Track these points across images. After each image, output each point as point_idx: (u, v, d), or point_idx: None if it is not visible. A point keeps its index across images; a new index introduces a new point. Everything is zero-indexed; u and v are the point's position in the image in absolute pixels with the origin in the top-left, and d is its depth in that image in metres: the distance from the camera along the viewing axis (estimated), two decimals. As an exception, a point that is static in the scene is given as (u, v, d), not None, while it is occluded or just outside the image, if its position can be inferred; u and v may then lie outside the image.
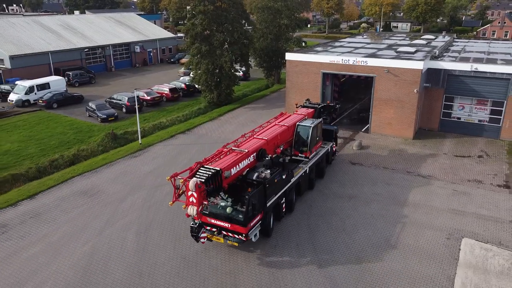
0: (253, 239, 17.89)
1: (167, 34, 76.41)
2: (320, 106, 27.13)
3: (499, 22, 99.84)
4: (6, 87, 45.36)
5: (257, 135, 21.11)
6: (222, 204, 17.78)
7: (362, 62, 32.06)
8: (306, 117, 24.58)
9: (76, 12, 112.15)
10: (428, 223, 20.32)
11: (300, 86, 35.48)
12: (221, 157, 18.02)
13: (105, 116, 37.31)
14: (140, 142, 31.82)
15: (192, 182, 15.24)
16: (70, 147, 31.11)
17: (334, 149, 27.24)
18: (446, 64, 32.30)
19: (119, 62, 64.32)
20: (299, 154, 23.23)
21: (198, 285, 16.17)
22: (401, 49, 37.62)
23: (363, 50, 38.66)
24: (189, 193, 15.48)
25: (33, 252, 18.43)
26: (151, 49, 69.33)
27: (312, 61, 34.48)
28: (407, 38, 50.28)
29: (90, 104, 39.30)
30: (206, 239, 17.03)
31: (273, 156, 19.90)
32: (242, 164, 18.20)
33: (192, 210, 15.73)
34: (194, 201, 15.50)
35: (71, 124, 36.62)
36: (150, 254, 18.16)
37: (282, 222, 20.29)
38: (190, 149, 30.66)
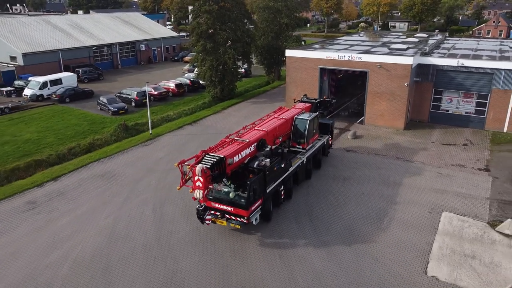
0: (254, 222, 19.30)
1: (171, 33, 78.85)
2: (317, 101, 28.71)
3: (493, 22, 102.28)
4: (20, 82, 47.75)
5: (258, 127, 22.42)
6: (226, 190, 19.04)
7: (357, 58, 34.48)
8: (304, 111, 25.97)
9: (80, 12, 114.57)
10: (413, 200, 22.74)
11: (299, 81, 37.86)
12: (224, 146, 19.46)
13: (116, 109, 39.70)
14: (150, 132, 34.22)
15: (198, 168, 16.64)
16: (86, 137, 33.45)
17: (330, 142, 28.66)
18: (434, 60, 34.72)
19: (125, 60, 66.72)
20: (297, 146, 24.60)
21: (209, 247, 18.60)
22: (393, 46, 40.03)
23: (358, 47, 41.08)
24: (196, 178, 16.89)
25: (62, 223, 20.82)
26: (155, 48, 71.74)
27: (310, 57, 36.89)
28: (401, 37, 52.68)
29: (101, 98, 41.68)
30: (210, 221, 19.00)
31: (273, 147, 21.64)
32: (244, 153, 19.55)
33: (198, 194, 17.16)
34: (200, 185, 16.92)
35: (84, 117, 39.01)
36: (165, 224, 20.56)
37: (283, 204, 22.26)
38: (197, 139, 33.05)
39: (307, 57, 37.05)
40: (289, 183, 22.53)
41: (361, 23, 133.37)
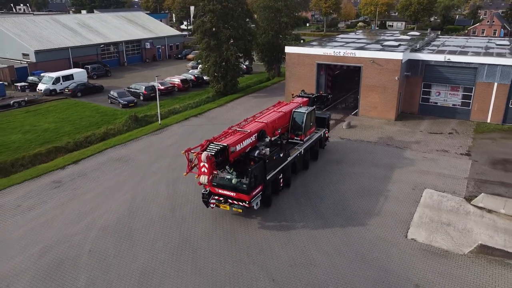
0: (255, 207, 20.65)
1: (174, 31, 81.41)
2: (314, 96, 30.27)
3: (488, 21, 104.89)
4: (34, 78, 50.31)
5: (258, 119, 23.72)
6: (228, 177, 20.35)
7: (351, 54, 37.09)
8: (301, 105, 27.42)
9: (83, 11, 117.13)
10: (399, 179, 25.36)
11: (298, 76, 40.46)
12: (227, 136, 20.73)
13: (126, 103, 42.32)
14: (159, 122, 36.84)
15: (204, 155, 18.05)
16: (99, 127, 36.03)
17: (326, 135, 30.03)
18: (423, 56, 37.35)
19: (131, 58, 69.32)
20: (295, 138, 26.00)
21: (218, 218, 21.21)
22: (386, 43, 42.67)
23: (353, 44, 43.71)
24: (201, 164, 18.26)
25: (86, 198, 23.43)
26: (160, 46, 74.31)
27: (308, 53, 39.51)
28: (395, 35, 55.31)
29: (111, 92, 44.29)
30: (214, 205, 20.62)
31: (272, 138, 22.91)
32: (245, 143, 20.80)
33: (204, 179, 18.61)
34: (206, 171, 18.24)
35: (97, 109, 41.61)
36: (178, 198, 23.16)
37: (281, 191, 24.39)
38: (203, 129, 35.66)
39: (305, 53, 39.67)
40: (288, 172, 23.92)
41: (360, 23, 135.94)
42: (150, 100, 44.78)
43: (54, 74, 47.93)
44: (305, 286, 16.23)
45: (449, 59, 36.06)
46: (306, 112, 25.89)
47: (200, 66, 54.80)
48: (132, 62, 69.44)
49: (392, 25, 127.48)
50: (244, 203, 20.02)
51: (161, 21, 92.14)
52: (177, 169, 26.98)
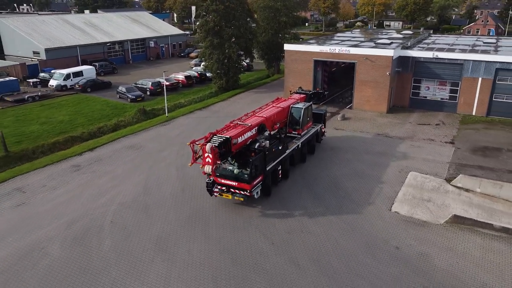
0: (256, 196, 21.81)
1: (177, 31, 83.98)
2: (311, 92, 31.60)
3: (482, 21, 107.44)
4: (45, 75, 52.86)
5: (258, 114, 24.90)
6: (230, 167, 21.47)
7: (346, 51, 39.66)
8: (299, 101, 28.67)
9: (86, 11, 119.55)
10: (387, 164, 27.93)
11: (296, 72, 43.01)
12: (229, 129, 21.84)
13: (134, 97, 44.89)
14: (166, 115, 39.40)
15: (208, 146, 19.18)
16: (111, 119, 38.56)
17: (323, 130, 31.30)
18: (413, 52, 39.91)
19: (135, 56, 71.90)
20: (293, 132, 27.35)
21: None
22: (379, 41, 45.22)
23: (348, 42, 46.30)
24: (206, 154, 19.38)
25: (104, 180, 25.98)
26: (163, 44, 76.91)
27: (306, 50, 42.08)
28: (389, 33, 57.89)
29: (120, 87, 46.85)
30: (218, 193, 21.93)
31: (271, 132, 24.42)
32: (246, 135, 21.91)
33: (208, 169, 19.76)
34: (210, 161, 19.35)
35: (107, 103, 44.17)
36: (187, 180, 25.67)
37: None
38: (207, 121, 38.20)
39: (303, 50, 42.23)
40: (286, 164, 25.24)
41: (358, 22, 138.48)
42: (156, 95, 47.41)
43: (65, 71, 50.49)
44: (301, 249, 18.77)
45: (437, 56, 38.60)
46: (303, 107, 27.24)
47: (203, 63, 57.37)
48: (137, 60, 72.01)
49: (390, 25, 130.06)
50: (245, 192, 21.16)
51: (163, 20, 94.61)
52: (185, 155, 29.49)
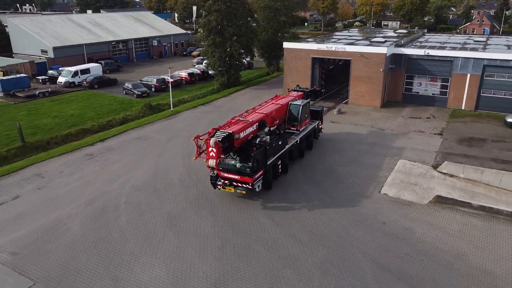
0: (257, 189, 22.65)
1: (180, 30, 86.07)
2: (308, 90, 32.64)
3: (478, 21, 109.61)
4: (53, 72, 54.96)
5: (258, 111, 25.75)
6: (233, 162, 22.25)
7: (342, 48, 41.75)
8: (297, 98, 29.67)
9: (89, 11, 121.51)
10: (378, 152, 30.01)
11: (295, 69, 45.10)
12: (231, 125, 22.75)
13: (140, 93, 46.98)
14: (171, 109, 41.48)
15: (212, 140, 20.03)
16: (118, 113, 40.61)
17: (320, 126, 32.26)
18: (406, 50, 42.03)
19: (139, 54, 74.01)
20: (291, 128, 28.22)
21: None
22: (374, 39, 47.33)
23: (344, 40, 48.42)
24: (210, 149, 20.19)
25: (116, 166, 28.05)
26: (166, 43, 78.99)
27: (304, 48, 44.18)
28: (384, 33, 60.00)
29: (126, 84, 48.96)
30: (221, 186, 22.88)
31: (271, 128, 25.12)
32: (247, 131, 22.77)
33: (212, 162, 20.69)
34: (214, 155, 20.22)
35: (114, 99, 46.24)
36: (193, 167, 27.69)
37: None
38: (210, 115, 40.29)
39: (302, 48, 44.33)
40: (285, 159, 26.14)
41: (356, 22, 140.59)
42: (160, 91, 49.49)
43: (73, 68, 52.58)
44: (298, 224, 20.86)
45: (428, 53, 40.71)
46: (302, 104, 28.18)
47: (205, 61, 59.52)
48: (140, 58, 74.10)
49: (388, 25, 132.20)
50: (247, 185, 22.05)
51: (165, 20, 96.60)
52: (190, 146, 31.37)
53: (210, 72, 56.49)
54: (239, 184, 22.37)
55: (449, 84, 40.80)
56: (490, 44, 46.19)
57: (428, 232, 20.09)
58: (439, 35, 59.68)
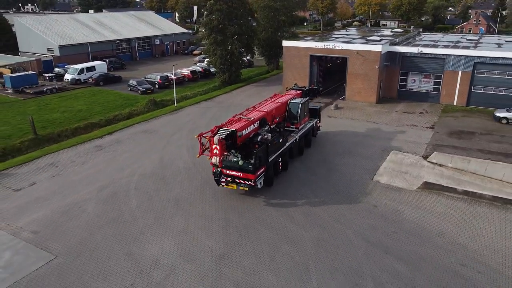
0: (259, 186, 23.19)
1: (181, 29, 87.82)
2: (306, 88, 33.23)
3: (474, 20, 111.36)
4: (59, 70, 56.71)
5: (258, 109, 26.40)
6: (235, 159, 22.51)
7: (339, 46, 43.49)
8: (296, 97, 30.20)
9: (91, 11, 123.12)
10: (372, 144, 31.75)
11: (293, 66, 46.83)
12: (233, 123, 23.25)
13: (144, 89, 48.73)
14: (175, 104, 43.22)
15: (216, 138, 20.56)
16: (124, 108, 42.31)
17: (318, 124, 32.79)
18: (400, 48, 43.77)
19: (142, 53, 75.75)
20: (291, 126, 28.67)
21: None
22: (370, 38, 49.07)
23: (342, 39, 50.15)
24: (213, 146, 20.70)
25: (124, 157, 29.77)
26: (168, 42, 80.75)
27: (302, 46, 45.91)
28: (381, 32, 61.75)
29: (131, 81, 50.74)
30: (224, 183, 23.17)
31: (271, 126, 25.72)
32: (249, 128, 23.34)
33: (215, 160, 21.26)
34: (217, 152, 20.70)
35: (119, 95, 47.98)
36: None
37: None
38: (212, 110, 42.01)
39: (300, 46, 46.07)
40: (286, 156, 26.65)
41: (355, 22, 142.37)
42: (164, 88, 51.23)
43: (79, 66, 54.33)
44: (294, 206, 22.58)
45: (421, 51, 42.46)
46: (301, 102, 28.72)
47: (206, 60, 61.27)
48: (143, 57, 75.82)
49: (386, 24, 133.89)
50: (250, 182, 22.46)
51: (167, 19, 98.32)
52: (194, 138, 33.05)
53: (211, 70, 58.22)
54: (242, 181, 22.74)
55: (441, 81, 42.53)
56: (482, 43, 47.94)
57: (415, 213, 21.83)
58: (433, 34, 61.46)
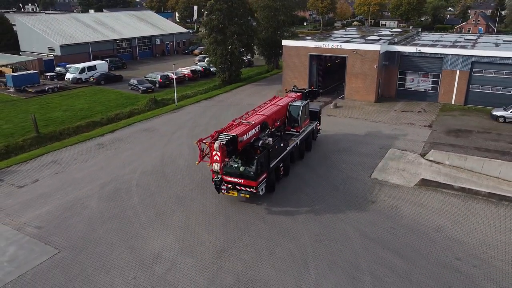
0: (261, 193, 22.43)
1: (181, 29, 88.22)
2: (306, 90, 32.47)
3: (473, 20, 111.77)
4: (60, 69, 57.10)
5: (258, 113, 25.62)
6: (235, 165, 21.74)
7: (338, 46, 43.88)
8: (296, 99, 29.55)
9: (91, 11, 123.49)
10: (371, 142, 32.13)
11: (293, 66, 47.21)
12: (233, 128, 22.56)
13: (145, 88, 49.12)
14: (176, 103, 43.59)
15: (216, 144, 19.74)
16: (125, 107, 42.69)
17: (318, 127, 32.17)
18: (399, 48, 44.15)
19: (142, 52, 76.14)
20: (291, 129, 28.05)
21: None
22: (369, 37, 49.45)
23: (341, 38, 50.53)
24: (214, 152, 19.91)
25: (126, 154, 30.15)
26: (168, 42, 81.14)
27: (302, 46, 46.29)
28: (380, 31, 62.14)
29: (132, 80, 51.13)
30: (225, 190, 22.19)
31: (271, 130, 24.93)
32: (250, 133, 22.66)
33: (216, 166, 20.52)
34: (218, 159, 19.93)
35: (120, 94, 48.36)
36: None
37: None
38: (213, 109, 42.40)
39: (300, 45, 46.45)
40: (287, 161, 25.92)
41: (355, 22, 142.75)
42: (164, 87, 51.61)
43: (80, 65, 54.74)
44: (294, 204, 22.96)
45: (420, 51, 42.85)
46: (302, 105, 28.05)
47: (206, 59, 61.67)
48: (144, 56, 76.22)
49: (385, 24, 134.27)
50: (251, 189, 21.68)
51: (167, 19, 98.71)
52: (195, 136, 33.37)
53: (211, 69, 58.60)
54: (243, 188, 21.98)
55: (440, 80, 42.91)
56: (480, 42, 48.33)
57: (412, 209, 22.21)
58: (432, 34, 61.84)
